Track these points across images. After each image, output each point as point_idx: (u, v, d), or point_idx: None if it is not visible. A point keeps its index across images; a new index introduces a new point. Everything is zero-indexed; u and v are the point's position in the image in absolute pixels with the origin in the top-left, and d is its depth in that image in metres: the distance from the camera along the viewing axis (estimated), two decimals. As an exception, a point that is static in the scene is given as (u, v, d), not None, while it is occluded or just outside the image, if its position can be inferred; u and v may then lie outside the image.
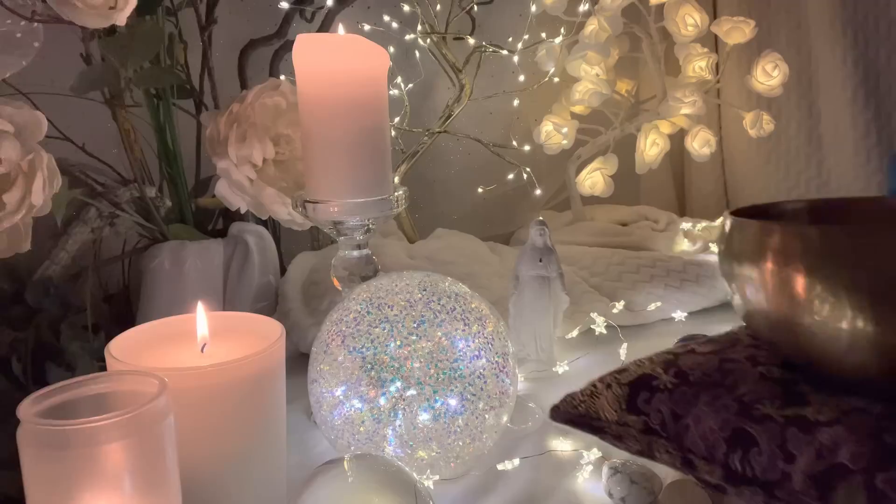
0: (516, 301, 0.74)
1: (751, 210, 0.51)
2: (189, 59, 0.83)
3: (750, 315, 0.45)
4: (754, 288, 0.43)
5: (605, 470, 0.54)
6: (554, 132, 1.04)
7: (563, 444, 0.61)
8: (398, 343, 0.53)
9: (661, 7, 0.98)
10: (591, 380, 0.51)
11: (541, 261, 0.72)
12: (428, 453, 0.53)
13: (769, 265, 0.42)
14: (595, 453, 0.57)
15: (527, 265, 0.73)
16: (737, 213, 0.49)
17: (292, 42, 0.60)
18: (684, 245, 0.99)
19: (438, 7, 0.99)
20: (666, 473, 0.53)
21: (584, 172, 1.06)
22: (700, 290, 0.88)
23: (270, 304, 0.83)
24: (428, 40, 0.98)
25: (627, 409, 0.47)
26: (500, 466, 0.57)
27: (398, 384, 0.52)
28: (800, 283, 0.40)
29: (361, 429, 0.53)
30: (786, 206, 0.54)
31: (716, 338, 0.53)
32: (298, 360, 0.68)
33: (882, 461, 0.35)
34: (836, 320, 0.39)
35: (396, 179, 0.93)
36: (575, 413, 0.50)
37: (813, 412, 0.40)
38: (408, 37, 0.99)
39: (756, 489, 0.39)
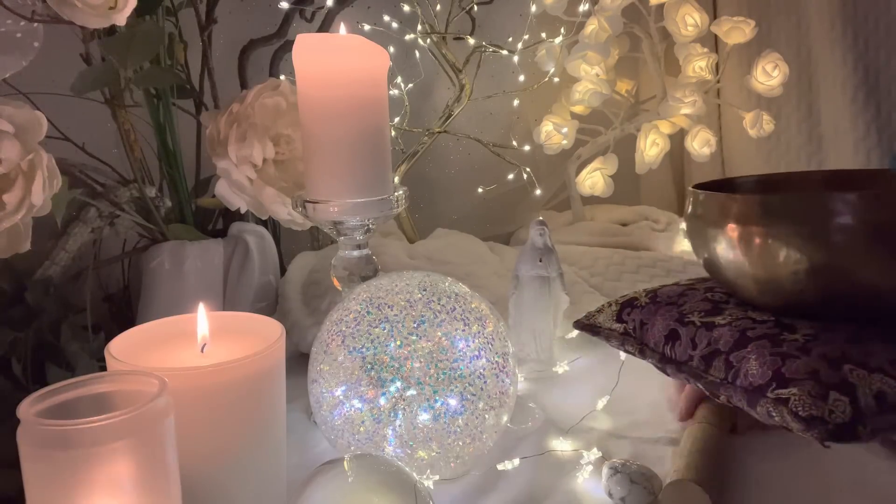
0: (516, 301, 0.74)
1: (709, 184, 0.65)
2: (189, 59, 0.83)
3: (707, 262, 0.61)
4: (711, 242, 0.58)
5: (605, 470, 0.54)
6: (554, 132, 1.04)
7: (563, 444, 0.61)
8: (398, 343, 0.53)
9: (661, 7, 0.98)
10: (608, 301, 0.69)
11: (541, 261, 0.72)
12: (428, 453, 0.53)
13: (728, 226, 0.56)
14: (595, 453, 0.57)
15: (527, 265, 0.73)
16: (698, 187, 0.62)
17: (292, 42, 0.60)
18: (684, 245, 0.99)
19: (438, 7, 0.99)
20: (665, 473, 0.53)
21: (584, 172, 1.06)
22: (700, 290, 0.88)
23: (270, 304, 0.83)
24: (428, 40, 0.98)
25: (616, 319, 0.65)
26: (500, 466, 0.57)
27: (398, 384, 0.52)
28: (735, 238, 0.56)
29: (361, 429, 0.53)
30: (735, 182, 0.69)
31: (699, 278, 0.69)
32: (298, 360, 0.68)
33: (738, 345, 0.53)
34: (751, 265, 0.55)
35: (396, 179, 0.93)
36: (586, 322, 0.67)
37: (720, 319, 0.57)
38: (408, 37, 0.99)
39: (674, 367, 0.57)
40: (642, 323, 0.62)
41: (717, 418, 0.59)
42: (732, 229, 0.55)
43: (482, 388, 0.54)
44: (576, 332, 0.79)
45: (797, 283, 0.53)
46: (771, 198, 0.55)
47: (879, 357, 0.48)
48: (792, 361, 0.49)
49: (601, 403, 0.66)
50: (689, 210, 0.61)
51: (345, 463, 0.46)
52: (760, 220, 0.54)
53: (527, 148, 1.06)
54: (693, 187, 0.62)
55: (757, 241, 0.54)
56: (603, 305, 0.68)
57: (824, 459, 0.57)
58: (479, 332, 0.55)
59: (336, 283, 0.65)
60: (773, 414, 0.47)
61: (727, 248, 0.56)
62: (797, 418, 0.46)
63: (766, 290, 0.56)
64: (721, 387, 0.52)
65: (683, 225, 1.02)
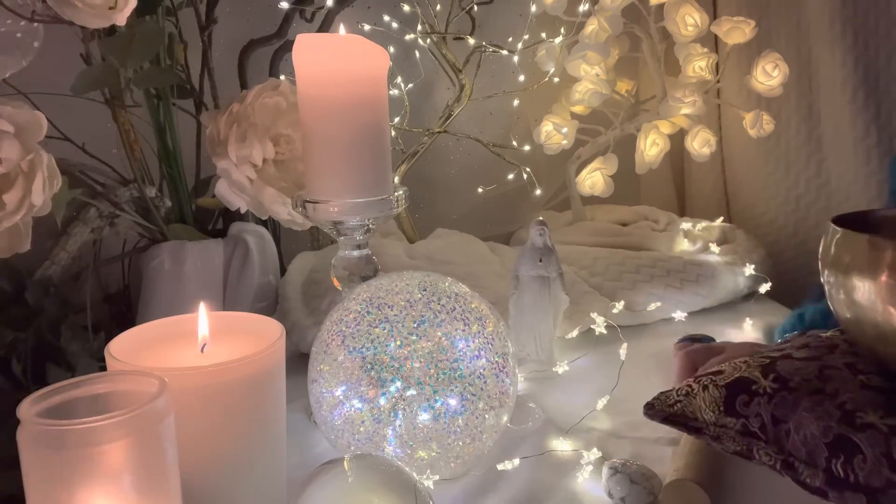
0: (516, 301, 0.74)
1: (850, 218, 0.51)
2: (189, 59, 0.83)
3: (852, 322, 0.46)
4: (862, 298, 0.44)
5: (604, 470, 0.54)
6: (554, 132, 1.04)
7: (563, 444, 0.61)
8: (398, 343, 0.53)
9: (661, 7, 0.98)
10: (686, 380, 0.53)
11: (541, 261, 0.72)
12: (428, 453, 0.53)
13: (882, 278, 0.43)
14: (595, 453, 0.57)
15: (527, 265, 0.73)
16: (837, 223, 0.49)
17: (292, 42, 0.60)
18: (684, 245, 0.99)
19: (438, 7, 0.99)
20: (665, 473, 0.53)
21: (584, 172, 1.06)
22: (700, 291, 0.88)
23: (270, 304, 0.83)
24: (428, 40, 0.98)
25: (725, 412, 0.48)
26: (500, 466, 0.57)
27: (398, 384, 0.52)
28: None
29: (361, 429, 0.53)
30: (884, 213, 0.54)
31: (813, 343, 0.52)
32: (298, 360, 0.68)
33: None
34: None
35: (396, 179, 0.93)
36: (670, 412, 0.52)
37: None
38: (408, 37, 0.99)
39: (860, 495, 0.41)
40: (775, 420, 0.45)
41: (717, 418, 0.59)
42: None
43: (482, 388, 0.54)
44: (576, 332, 0.79)
45: None
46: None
47: None
48: None
49: (601, 403, 0.66)
50: (833, 255, 0.47)
51: (345, 463, 0.46)
52: None
53: (527, 148, 1.06)
54: (835, 223, 0.48)
55: None
56: (689, 388, 0.51)
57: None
58: (479, 332, 0.55)
59: (336, 283, 0.65)
60: None
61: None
62: None
63: None
64: None
65: (684, 226, 1.02)
